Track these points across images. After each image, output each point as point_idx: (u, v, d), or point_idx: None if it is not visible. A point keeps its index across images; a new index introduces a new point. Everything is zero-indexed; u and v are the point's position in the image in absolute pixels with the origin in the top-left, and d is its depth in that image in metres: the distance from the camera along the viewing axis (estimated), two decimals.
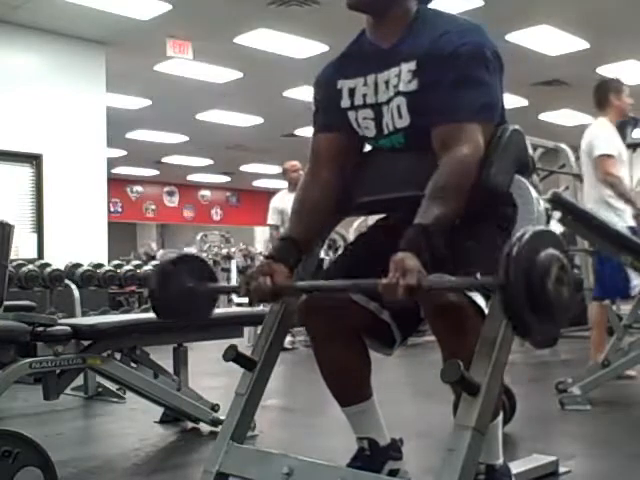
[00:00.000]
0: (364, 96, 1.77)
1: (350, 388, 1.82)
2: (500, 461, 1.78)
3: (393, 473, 1.79)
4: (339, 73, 1.82)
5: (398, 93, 1.70)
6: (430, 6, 1.81)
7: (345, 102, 1.80)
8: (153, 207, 17.93)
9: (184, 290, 1.76)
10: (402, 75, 1.69)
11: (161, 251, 13.11)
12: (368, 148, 1.90)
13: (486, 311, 1.53)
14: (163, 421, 3.25)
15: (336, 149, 1.83)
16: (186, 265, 1.81)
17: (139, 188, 17.63)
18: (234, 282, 12.78)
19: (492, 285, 1.34)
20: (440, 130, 1.63)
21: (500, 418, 1.78)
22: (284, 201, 6.16)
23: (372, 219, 2.07)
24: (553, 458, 2.33)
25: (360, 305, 1.75)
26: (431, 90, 1.64)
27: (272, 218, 6.36)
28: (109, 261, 7.42)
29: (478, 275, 1.56)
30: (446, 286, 1.46)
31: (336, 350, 1.77)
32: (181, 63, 8.51)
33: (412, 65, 1.67)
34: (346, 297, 1.75)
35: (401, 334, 1.82)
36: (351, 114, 1.80)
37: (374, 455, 1.80)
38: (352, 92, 1.79)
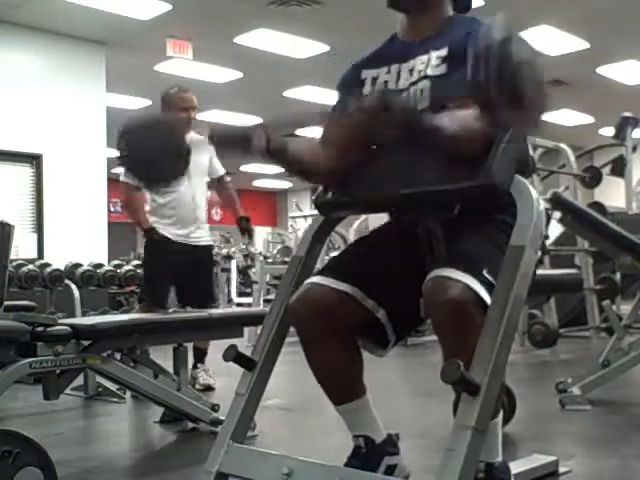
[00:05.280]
0: (385, 82, 1.80)
1: (342, 386, 1.81)
2: (499, 459, 1.78)
3: (391, 468, 1.79)
4: (364, 66, 1.87)
5: (424, 77, 1.72)
6: None
7: (367, 89, 1.84)
8: None
9: (157, 146, 1.83)
10: (431, 61, 1.72)
11: None
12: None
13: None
14: (163, 421, 3.25)
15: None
16: (158, 125, 1.91)
17: None
18: (234, 282, 12.76)
19: (472, 84, 1.35)
20: (456, 102, 1.62)
21: (500, 416, 1.77)
22: None
23: (373, 219, 2.07)
24: (553, 458, 2.33)
25: (357, 303, 1.74)
26: (455, 75, 1.67)
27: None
28: (109, 261, 7.42)
29: (484, 272, 1.56)
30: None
31: (327, 349, 1.75)
32: (181, 63, 8.52)
33: (443, 52, 1.71)
34: (343, 294, 1.74)
35: (395, 336, 1.81)
36: None
37: (370, 452, 1.79)
38: (374, 80, 1.83)
